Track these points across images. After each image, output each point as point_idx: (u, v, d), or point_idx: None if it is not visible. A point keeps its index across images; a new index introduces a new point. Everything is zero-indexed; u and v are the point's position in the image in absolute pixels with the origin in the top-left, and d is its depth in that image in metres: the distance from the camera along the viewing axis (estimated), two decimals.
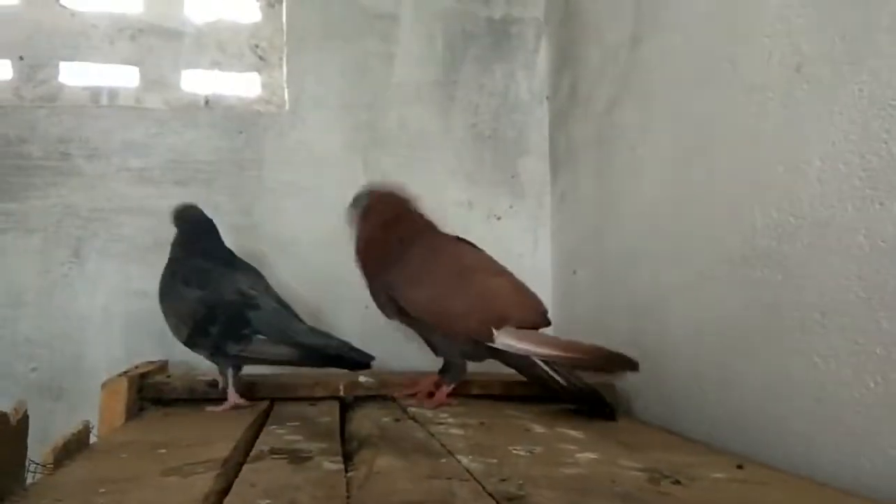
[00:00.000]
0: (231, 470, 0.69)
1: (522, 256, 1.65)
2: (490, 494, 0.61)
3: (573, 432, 0.94)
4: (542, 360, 1.06)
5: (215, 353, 1.08)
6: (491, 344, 1.05)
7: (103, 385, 1.00)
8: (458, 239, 1.20)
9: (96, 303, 1.47)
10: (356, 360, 1.01)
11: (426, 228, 1.20)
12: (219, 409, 1.06)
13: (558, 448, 0.82)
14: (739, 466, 0.78)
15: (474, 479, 0.66)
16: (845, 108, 0.79)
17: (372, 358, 1.02)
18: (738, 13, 0.99)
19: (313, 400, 1.15)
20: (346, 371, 1.23)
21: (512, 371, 1.14)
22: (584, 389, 1.08)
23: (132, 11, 1.60)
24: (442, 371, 1.15)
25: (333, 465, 0.72)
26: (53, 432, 0.92)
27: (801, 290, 0.86)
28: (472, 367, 1.28)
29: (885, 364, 0.73)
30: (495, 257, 1.56)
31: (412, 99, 1.64)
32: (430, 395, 1.14)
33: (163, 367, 1.30)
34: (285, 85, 1.61)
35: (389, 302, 1.13)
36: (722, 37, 1.03)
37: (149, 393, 1.09)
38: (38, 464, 0.66)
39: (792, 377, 0.87)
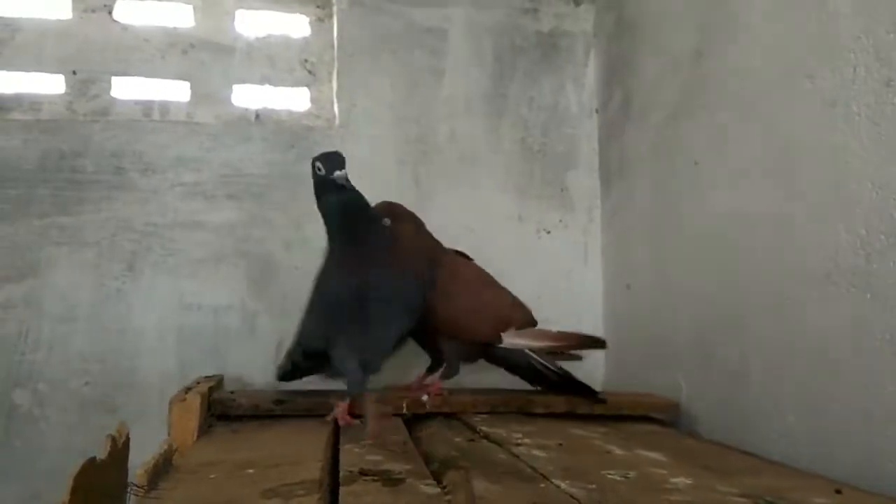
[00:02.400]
0: (327, 492, 0.68)
1: (572, 270, 1.64)
2: None
3: (653, 454, 0.92)
4: (535, 353, 1.26)
5: None
6: (500, 344, 1.24)
7: (172, 401, 0.99)
8: (458, 253, 1.35)
9: (150, 317, 1.46)
10: None
11: (438, 248, 1.31)
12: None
13: (650, 472, 0.80)
14: (838, 491, 0.76)
15: None
16: None
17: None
18: (816, 28, 0.98)
19: None
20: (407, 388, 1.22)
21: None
22: (569, 377, 1.27)
23: (183, 26, 1.61)
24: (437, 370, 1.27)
25: (429, 488, 0.70)
26: None
27: (893, 310, 0.84)
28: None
29: None
30: (545, 272, 1.60)
31: (462, 113, 1.64)
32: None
33: (219, 382, 1.30)
34: (335, 99, 1.61)
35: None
36: (798, 51, 1.01)
37: (215, 409, 1.08)
38: (135, 485, 0.65)
39: (883, 399, 0.85)
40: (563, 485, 0.72)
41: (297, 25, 1.67)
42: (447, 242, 1.51)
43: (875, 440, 0.86)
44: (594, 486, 0.72)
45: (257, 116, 1.63)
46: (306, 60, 1.68)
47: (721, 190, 1.19)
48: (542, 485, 0.72)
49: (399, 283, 1.09)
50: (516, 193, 1.63)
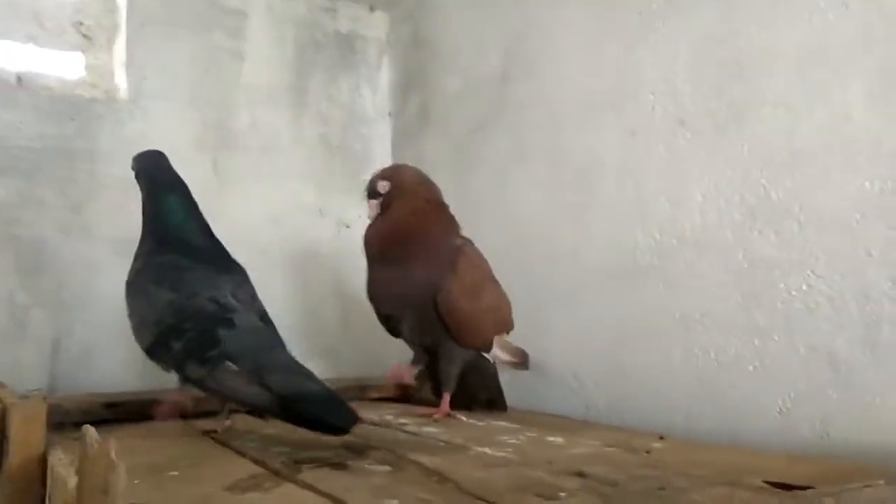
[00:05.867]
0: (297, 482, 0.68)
1: None
2: (560, 472, 0.70)
3: (503, 423, 1.05)
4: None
5: (178, 372, 0.92)
6: (486, 354, 1.15)
7: (14, 410, 0.84)
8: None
9: None
10: (334, 424, 0.79)
11: (455, 229, 1.19)
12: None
13: (530, 436, 0.93)
14: (661, 437, 0.97)
15: (520, 464, 0.75)
16: (728, 158, 1.04)
17: (355, 421, 0.80)
18: (620, 69, 1.21)
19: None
20: None
21: None
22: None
23: None
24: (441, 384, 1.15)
25: (376, 467, 0.74)
26: None
27: (682, 297, 1.09)
28: (364, 370, 1.35)
29: (761, 353, 0.99)
30: (346, 266, 1.62)
31: (263, 100, 1.61)
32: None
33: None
34: (124, 71, 1.47)
35: (425, 301, 1.08)
36: (602, 86, 1.24)
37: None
38: None
39: (673, 365, 1.10)
40: (487, 451, 0.81)
41: None
42: (249, 234, 1.50)
43: (664, 400, 1.11)
44: (510, 448, 0.83)
45: (19, 79, 1.40)
46: (81, 23, 1.49)
47: (527, 197, 1.38)
48: (472, 453, 0.81)
49: None
50: (317, 187, 1.66)
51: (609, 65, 1.23)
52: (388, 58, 1.78)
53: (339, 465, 0.74)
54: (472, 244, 1.19)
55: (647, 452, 0.85)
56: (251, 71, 1.60)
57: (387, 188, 1.15)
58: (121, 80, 1.47)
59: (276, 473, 0.70)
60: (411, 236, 1.11)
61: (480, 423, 1.04)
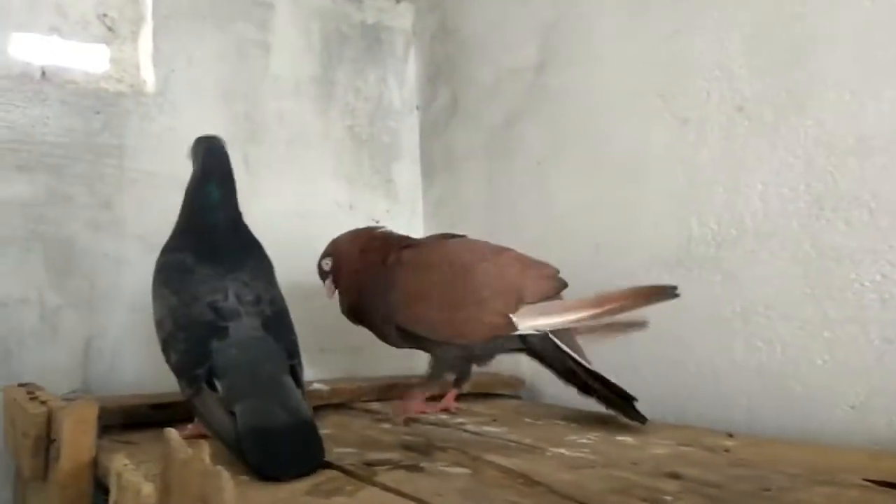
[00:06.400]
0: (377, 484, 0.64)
1: None
2: (651, 474, 0.67)
3: (560, 422, 1.02)
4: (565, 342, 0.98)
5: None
6: (516, 333, 0.95)
7: (64, 412, 0.80)
8: (444, 236, 1.13)
9: None
10: (270, 474, 0.66)
11: (404, 244, 1.10)
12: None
13: (599, 435, 0.89)
14: (730, 435, 0.94)
15: (605, 465, 0.71)
16: (790, 145, 1.00)
17: (313, 464, 0.69)
18: (668, 56, 1.17)
19: None
20: None
21: None
22: (606, 380, 0.97)
23: None
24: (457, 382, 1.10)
25: (452, 469, 0.70)
26: None
27: (742, 288, 1.06)
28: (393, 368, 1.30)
29: (831, 345, 0.95)
30: None
31: (290, 93, 1.57)
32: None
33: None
34: (150, 64, 1.42)
35: (391, 328, 1.03)
36: (648, 73, 1.20)
37: None
38: None
39: (734, 359, 1.06)
40: (564, 451, 0.77)
41: None
42: (277, 230, 1.45)
43: (723, 397, 1.07)
44: (586, 449, 0.79)
45: (43, 73, 1.36)
46: (105, 15, 1.44)
47: (567, 188, 1.34)
48: (548, 454, 0.77)
49: None
50: (346, 181, 1.62)
51: (656, 51, 1.19)
52: (414, 49, 1.74)
53: (413, 468, 0.70)
54: (421, 246, 1.09)
55: (726, 451, 0.82)
56: (278, 63, 1.56)
57: (330, 264, 1.14)
58: (147, 74, 1.43)
59: (351, 475, 0.66)
60: (362, 292, 1.08)
61: (540, 423, 1.00)
